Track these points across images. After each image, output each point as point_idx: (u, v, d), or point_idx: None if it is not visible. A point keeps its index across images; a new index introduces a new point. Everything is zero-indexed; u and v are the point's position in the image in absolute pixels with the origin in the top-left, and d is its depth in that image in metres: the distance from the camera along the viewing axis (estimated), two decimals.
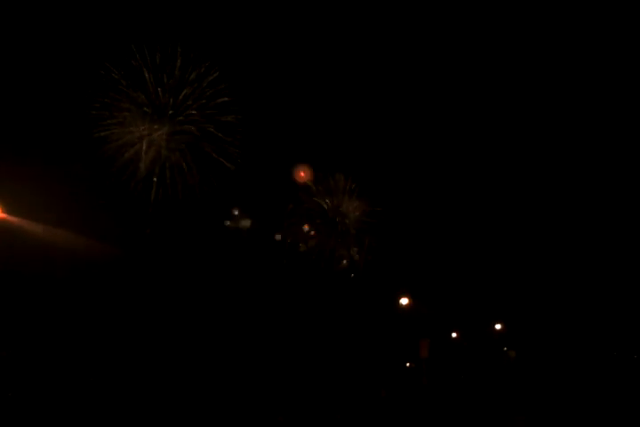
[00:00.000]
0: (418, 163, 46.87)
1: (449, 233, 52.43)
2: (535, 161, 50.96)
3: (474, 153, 50.10)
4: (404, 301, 44.20)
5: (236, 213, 39.99)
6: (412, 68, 45.33)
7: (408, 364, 38.73)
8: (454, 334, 55.04)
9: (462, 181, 51.47)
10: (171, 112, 35.57)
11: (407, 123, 45.37)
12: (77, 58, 33.59)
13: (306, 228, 41.37)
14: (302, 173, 40.26)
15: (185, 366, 29.14)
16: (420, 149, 47.01)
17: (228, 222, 40.34)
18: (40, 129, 32.92)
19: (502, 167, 51.32)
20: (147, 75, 34.33)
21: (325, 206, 42.16)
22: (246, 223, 39.91)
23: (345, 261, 43.41)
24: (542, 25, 45.80)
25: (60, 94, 34.00)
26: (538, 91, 48.10)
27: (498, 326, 58.84)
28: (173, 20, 35.11)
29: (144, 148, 35.12)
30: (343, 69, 42.41)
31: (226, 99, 36.01)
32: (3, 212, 24.69)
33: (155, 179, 35.70)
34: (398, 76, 44.70)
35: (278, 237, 41.34)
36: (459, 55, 46.63)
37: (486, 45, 46.27)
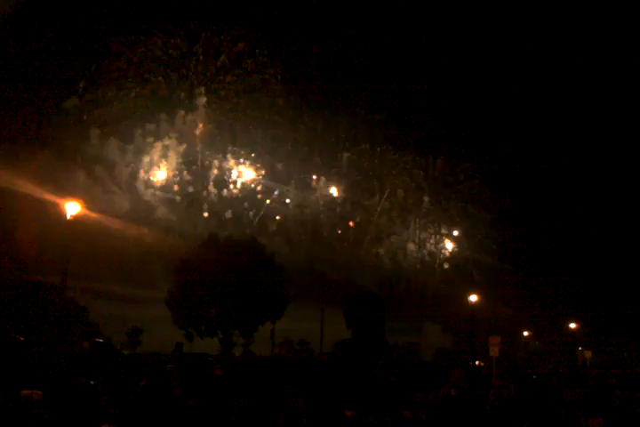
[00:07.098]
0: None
1: (521, 228, 51.33)
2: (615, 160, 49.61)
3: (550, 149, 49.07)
4: (473, 298, 43.51)
5: None
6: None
7: (477, 362, 38.19)
8: (526, 333, 53.87)
9: (539, 173, 50.50)
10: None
11: None
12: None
13: None
14: None
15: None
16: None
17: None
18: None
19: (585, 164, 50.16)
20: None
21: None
22: None
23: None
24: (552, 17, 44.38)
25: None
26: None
27: (572, 325, 57.16)
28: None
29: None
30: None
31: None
32: (84, 208, 25.93)
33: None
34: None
35: None
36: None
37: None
